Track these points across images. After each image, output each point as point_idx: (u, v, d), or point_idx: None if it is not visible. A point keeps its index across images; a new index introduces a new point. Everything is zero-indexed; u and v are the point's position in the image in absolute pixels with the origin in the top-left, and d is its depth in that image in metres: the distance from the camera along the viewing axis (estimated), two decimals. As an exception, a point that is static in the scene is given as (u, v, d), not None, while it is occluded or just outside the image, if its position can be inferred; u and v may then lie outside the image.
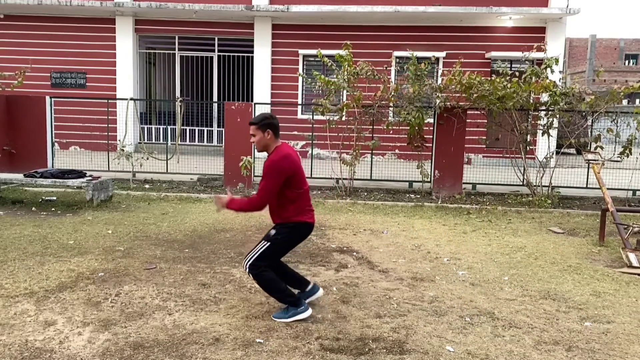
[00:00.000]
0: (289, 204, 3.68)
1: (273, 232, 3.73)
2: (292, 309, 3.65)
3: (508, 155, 9.72)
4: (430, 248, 5.72)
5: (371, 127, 9.91)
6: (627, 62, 43.73)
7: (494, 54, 14.02)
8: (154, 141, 15.21)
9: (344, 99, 11.25)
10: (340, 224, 6.82)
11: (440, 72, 13.38)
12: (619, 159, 8.72)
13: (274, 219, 3.80)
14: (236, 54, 15.41)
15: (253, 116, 9.43)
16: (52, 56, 14.95)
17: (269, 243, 3.68)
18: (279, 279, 3.72)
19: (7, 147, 9.27)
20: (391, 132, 9.94)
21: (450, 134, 9.11)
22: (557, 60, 8.86)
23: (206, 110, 15.79)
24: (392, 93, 9.39)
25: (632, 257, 5.28)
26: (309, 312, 3.66)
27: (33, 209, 7.19)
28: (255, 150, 10.11)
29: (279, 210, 3.72)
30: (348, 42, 9.35)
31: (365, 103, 9.41)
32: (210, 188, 9.44)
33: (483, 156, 13.75)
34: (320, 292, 3.93)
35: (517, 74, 9.61)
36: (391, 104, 9.62)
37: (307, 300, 3.79)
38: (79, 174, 7.75)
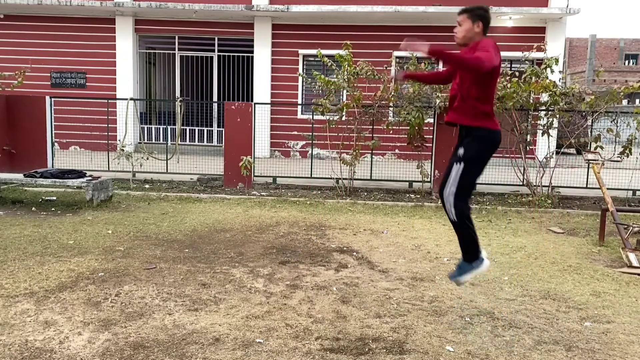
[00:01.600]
0: (484, 105, 3.30)
1: (461, 151, 3.34)
2: (473, 263, 3.42)
3: (508, 155, 9.71)
4: (430, 248, 5.72)
5: (371, 127, 9.91)
6: (627, 62, 43.76)
7: (494, 54, 14.00)
8: (154, 141, 15.21)
9: (344, 99, 11.25)
10: (340, 224, 6.82)
11: (440, 72, 13.37)
12: (619, 159, 8.72)
13: (466, 118, 3.36)
14: (236, 54, 15.41)
15: (253, 116, 9.48)
16: (52, 56, 14.96)
17: (463, 165, 3.33)
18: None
19: (7, 147, 9.27)
20: (391, 132, 9.94)
21: (451, 133, 9.09)
22: (557, 60, 8.85)
23: (206, 110, 15.79)
24: (392, 93, 9.39)
25: (632, 257, 5.28)
26: (487, 263, 3.44)
27: (33, 209, 7.19)
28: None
29: (477, 106, 3.30)
30: (348, 42, 9.34)
31: (365, 103, 9.41)
32: (210, 188, 9.44)
33: (483, 156, 13.72)
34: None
35: (517, 74, 9.60)
36: (391, 104, 9.62)
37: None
38: (79, 174, 7.75)
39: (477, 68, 3.16)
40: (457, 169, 3.39)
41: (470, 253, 3.49)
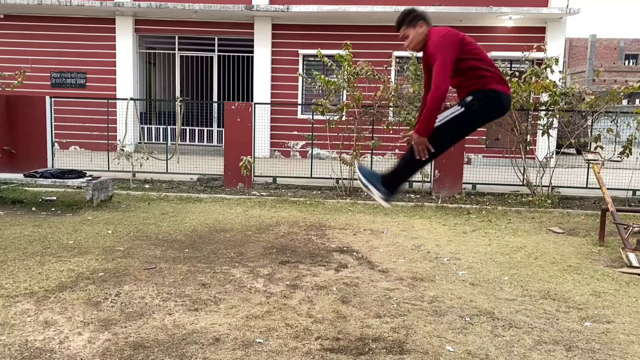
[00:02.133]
0: (483, 71, 3.31)
1: (469, 98, 3.31)
2: (382, 188, 3.44)
3: (508, 155, 9.72)
4: (430, 248, 5.72)
5: (371, 127, 9.91)
6: (627, 62, 43.79)
7: (494, 54, 13.98)
8: (154, 141, 15.22)
9: (344, 99, 11.26)
10: (340, 224, 6.82)
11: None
12: (619, 159, 8.72)
13: (466, 90, 3.37)
14: (236, 54, 15.41)
15: (253, 116, 9.48)
16: (52, 56, 14.96)
17: (462, 109, 3.30)
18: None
19: (7, 147, 9.28)
20: (391, 132, 9.94)
21: (450, 134, 9.09)
22: (557, 60, 8.85)
23: (206, 110, 15.80)
24: (392, 93, 9.39)
25: (632, 257, 5.28)
26: (384, 202, 3.50)
27: (33, 209, 7.18)
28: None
29: (473, 80, 3.32)
30: (348, 42, 9.35)
31: (365, 103, 9.42)
32: (210, 188, 9.44)
33: (483, 156, 13.76)
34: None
35: (517, 74, 9.60)
36: (391, 104, 9.62)
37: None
38: (79, 174, 7.75)
39: (441, 98, 3.21)
40: (454, 110, 3.39)
41: (392, 180, 3.50)
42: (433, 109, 3.24)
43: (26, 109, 9.43)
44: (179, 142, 11.60)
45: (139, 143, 12.87)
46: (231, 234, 6.04)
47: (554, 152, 10.20)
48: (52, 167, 9.46)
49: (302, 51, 14.66)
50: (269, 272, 4.67)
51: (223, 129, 10.27)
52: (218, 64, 15.60)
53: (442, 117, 3.39)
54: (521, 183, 9.38)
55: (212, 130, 15.63)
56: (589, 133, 9.88)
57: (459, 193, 9.17)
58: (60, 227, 6.12)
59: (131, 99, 11.23)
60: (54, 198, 7.94)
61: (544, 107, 9.17)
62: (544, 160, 9.12)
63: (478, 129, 3.57)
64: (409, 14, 3.48)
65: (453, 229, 6.69)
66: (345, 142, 9.45)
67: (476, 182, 9.86)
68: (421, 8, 12.99)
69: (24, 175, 7.56)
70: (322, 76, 9.36)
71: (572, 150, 12.30)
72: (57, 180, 7.41)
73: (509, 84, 3.42)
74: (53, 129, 9.91)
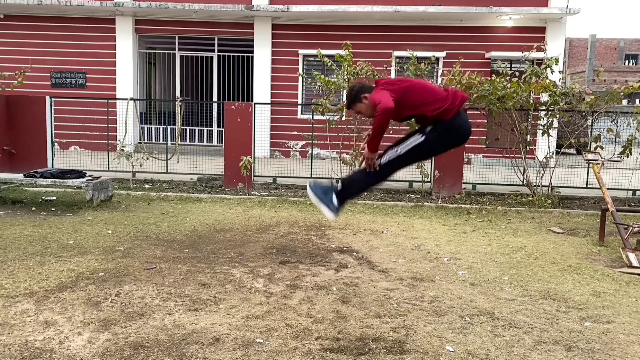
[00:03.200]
0: (435, 110, 3.41)
1: (429, 128, 3.46)
2: (330, 202, 3.65)
3: (508, 155, 9.72)
4: (430, 248, 5.72)
5: (371, 127, 9.89)
6: (627, 62, 43.78)
7: (494, 53, 14.02)
8: (154, 141, 15.22)
9: (344, 99, 11.26)
10: (340, 224, 6.82)
11: (440, 72, 13.39)
12: (619, 159, 8.72)
13: (425, 121, 3.51)
14: (236, 54, 15.42)
15: (253, 116, 9.48)
16: (52, 56, 14.97)
17: (423, 138, 3.45)
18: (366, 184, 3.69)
19: (7, 147, 9.28)
20: (391, 132, 9.92)
21: (450, 134, 9.09)
22: (557, 60, 8.85)
23: (206, 110, 15.80)
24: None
25: (632, 257, 5.28)
26: (330, 215, 3.72)
27: (33, 209, 7.18)
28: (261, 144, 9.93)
29: (430, 116, 3.43)
30: (348, 42, 9.35)
31: (365, 103, 9.41)
32: (211, 188, 9.44)
33: (483, 156, 13.76)
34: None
35: (517, 74, 9.61)
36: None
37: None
38: (79, 174, 7.75)
39: (386, 115, 3.43)
40: (416, 139, 3.55)
41: (343, 195, 3.75)
42: (378, 128, 3.47)
43: (26, 109, 9.43)
44: (179, 142, 11.61)
45: (139, 143, 12.87)
46: (231, 234, 6.04)
47: (554, 152, 10.20)
48: (52, 167, 9.46)
49: (302, 51, 14.66)
50: (269, 272, 4.67)
51: (223, 129, 10.27)
52: (218, 64, 15.60)
53: (404, 146, 3.56)
54: (521, 183, 9.38)
55: (212, 130, 15.64)
56: (589, 133, 9.88)
57: (459, 193, 9.17)
58: (60, 227, 6.12)
59: (131, 99, 11.23)
60: (54, 198, 7.94)
61: (544, 107, 9.17)
62: (544, 160, 9.12)
63: (440, 154, 3.82)
64: (352, 93, 3.71)
65: (453, 229, 6.69)
66: (345, 142, 9.45)
67: (476, 182, 9.85)
68: (421, 8, 13.02)
69: (24, 175, 7.56)
70: (322, 76, 9.37)
71: (572, 150, 12.30)
72: (57, 180, 7.41)
73: (463, 93, 3.55)
74: (53, 129, 9.91)
